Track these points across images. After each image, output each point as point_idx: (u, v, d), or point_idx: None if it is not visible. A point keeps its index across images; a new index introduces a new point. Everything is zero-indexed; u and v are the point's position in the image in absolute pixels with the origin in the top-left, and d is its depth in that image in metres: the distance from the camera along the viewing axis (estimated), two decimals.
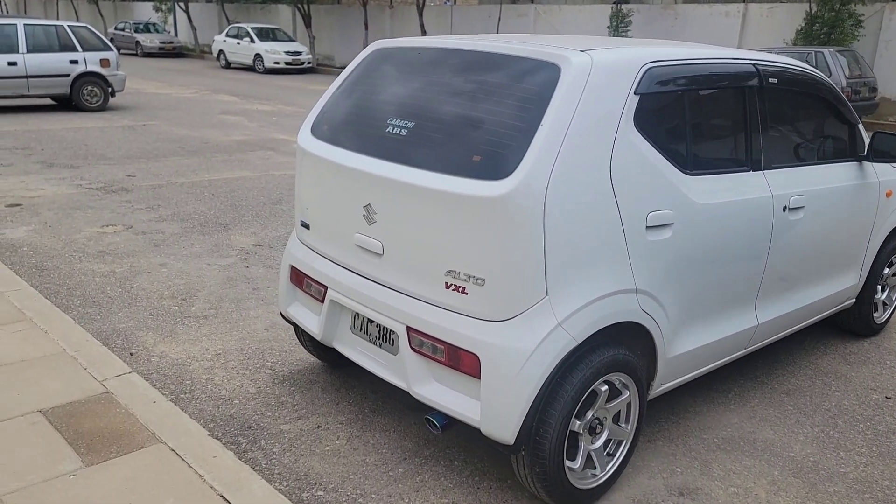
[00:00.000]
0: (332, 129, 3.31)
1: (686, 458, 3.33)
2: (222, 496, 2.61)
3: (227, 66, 27.51)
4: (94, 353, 3.77)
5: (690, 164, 3.03)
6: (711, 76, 3.19)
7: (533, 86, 2.69)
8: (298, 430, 3.39)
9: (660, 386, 3.17)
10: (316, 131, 3.41)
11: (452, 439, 3.40)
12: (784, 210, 3.51)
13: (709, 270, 3.16)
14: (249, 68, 26.78)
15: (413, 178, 2.77)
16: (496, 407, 2.62)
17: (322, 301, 3.33)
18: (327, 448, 3.26)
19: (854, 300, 4.58)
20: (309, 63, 26.38)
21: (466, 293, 2.66)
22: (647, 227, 2.83)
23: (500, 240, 2.54)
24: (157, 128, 12.44)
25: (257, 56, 25.96)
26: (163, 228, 6.62)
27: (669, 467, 3.26)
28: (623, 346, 2.85)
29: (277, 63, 25.57)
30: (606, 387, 2.85)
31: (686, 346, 3.19)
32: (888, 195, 4.45)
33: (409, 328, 2.87)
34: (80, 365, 3.54)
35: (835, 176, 3.93)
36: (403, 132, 2.94)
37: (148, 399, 3.31)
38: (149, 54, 31.81)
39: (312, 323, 3.45)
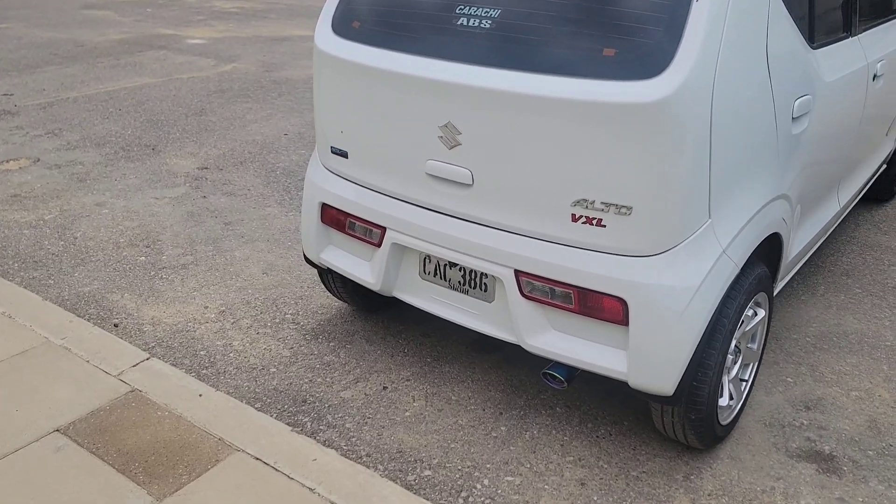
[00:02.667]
0: (370, 25, 2.67)
1: (791, 365, 3.16)
2: None
3: None
4: (88, 336, 3.11)
5: (813, 34, 2.64)
6: None
7: None
8: (364, 397, 2.95)
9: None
10: (341, 28, 2.75)
11: (539, 381, 3.07)
12: (874, 79, 3.22)
13: (823, 159, 2.86)
14: None
15: (517, 85, 2.24)
16: (652, 356, 2.27)
17: (378, 245, 2.81)
18: (408, 413, 2.86)
19: (886, 165, 4.47)
20: None
21: (604, 225, 2.23)
22: (793, 118, 2.46)
23: (655, 156, 2.10)
24: (13, 31, 10.72)
25: None
26: (79, 158, 5.68)
27: (780, 378, 3.08)
28: (763, 262, 2.55)
29: None
30: (752, 311, 2.56)
31: (798, 246, 2.94)
32: None
33: (518, 272, 2.44)
34: (78, 357, 2.90)
35: None
36: (487, 24, 2.36)
37: (191, 392, 2.74)
38: None
39: (363, 271, 2.93)
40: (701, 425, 2.45)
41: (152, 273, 3.94)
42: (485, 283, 2.60)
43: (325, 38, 2.78)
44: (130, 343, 3.26)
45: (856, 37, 3.06)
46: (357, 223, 2.87)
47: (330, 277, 3.33)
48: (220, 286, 3.81)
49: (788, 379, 3.07)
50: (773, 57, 2.30)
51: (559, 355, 2.45)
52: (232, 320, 3.50)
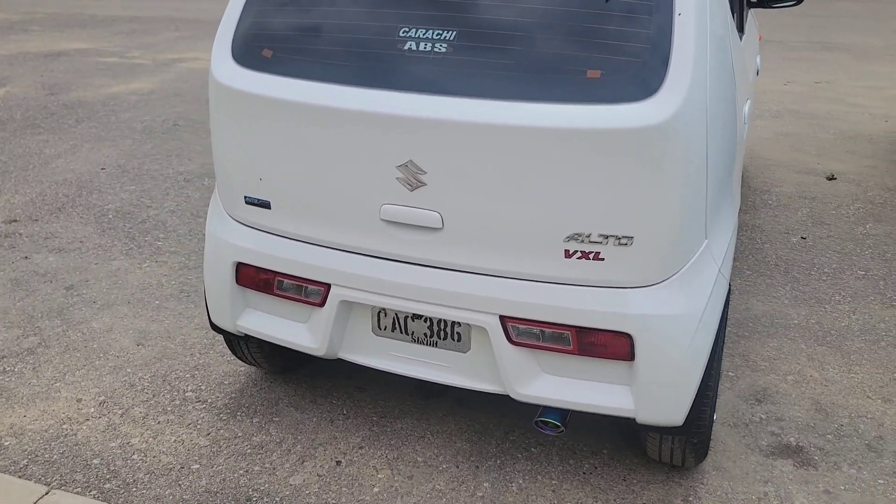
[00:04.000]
0: (286, 53, 2.28)
1: (725, 358, 3.25)
2: None
3: None
4: None
5: (742, 30, 2.68)
6: None
7: None
8: (318, 478, 2.58)
9: None
10: (246, 58, 2.33)
11: (503, 422, 2.88)
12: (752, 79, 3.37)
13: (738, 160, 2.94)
14: None
15: (491, 116, 2.00)
16: (661, 389, 2.16)
17: (320, 304, 2.44)
18: (376, 489, 2.53)
19: None
20: None
21: (602, 259, 2.08)
22: (744, 123, 2.46)
23: (657, 180, 1.97)
24: None
25: None
26: None
27: (722, 374, 3.14)
28: None
29: None
30: None
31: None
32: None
33: (504, 318, 2.21)
34: None
35: None
36: (441, 47, 2.09)
37: None
38: None
39: (299, 335, 2.54)
40: (702, 446, 2.41)
41: None
42: (458, 333, 2.35)
43: (226, 70, 2.35)
44: (32, 479, 2.60)
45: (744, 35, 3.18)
46: (289, 282, 2.48)
47: (242, 343, 2.88)
48: (88, 370, 3.18)
49: (730, 373, 3.15)
50: (735, 62, 2.28)
51: (554, 400, 2.27)
52: (119, 412, 2.92)
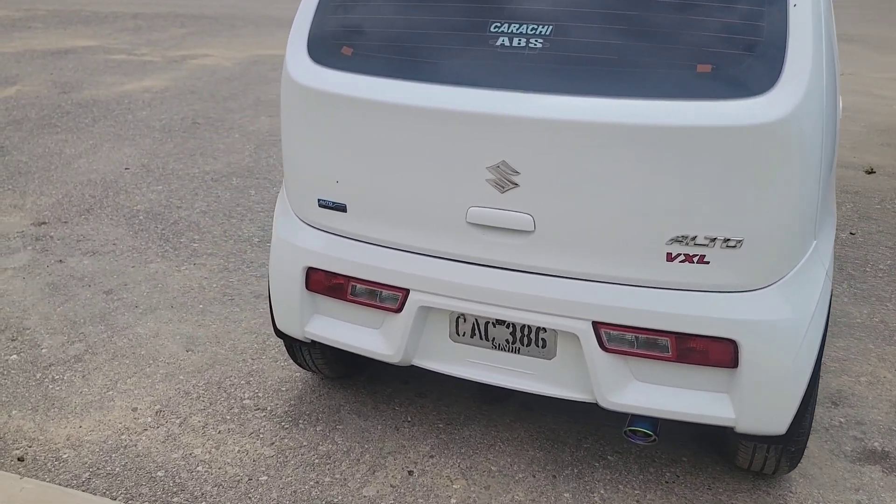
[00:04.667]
0: (369, 51, 2.20)
1: None
2: None
3: None
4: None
5: None
6: None
7: None
8: (392, 489, 2.50)
9: None
10: (325, 56, 2.25)
11: (575, 428, 2.81)
12: None
13: None
14: None
15: (594, 114, 1.92)
16: (767, 398, 2.09)
17: (397, 310, 2.36)
18: (453, 501, 2.46)
19: None
20: None
21: (707, 262, 2.00)
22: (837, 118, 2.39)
23: (773, 180, 1.89)
24: None
25: None
26: None
27: None
28: None
29: None
30: None
31: None
32: None
33: (597, 324, 2.14)
34: None
35: None
36: (537, 43, 2.01)
37: None
38: None
39: (372, 341, 2.46)
40: (798, 455, 2.34)
41: (38, 375, 3.12)
42: (542, 339, 2.27)
43: (302, 69, 2.27)
44: (52, 480, 2.52)
45: None
46: (364, 287, 2.40)
47: (305, 349, 2.80)
48: (139, 377, 3.10)
49: None
50: (835, 55, 2.20)
51: (647, 409, 2.20)
52: (177, 421, 2.84)
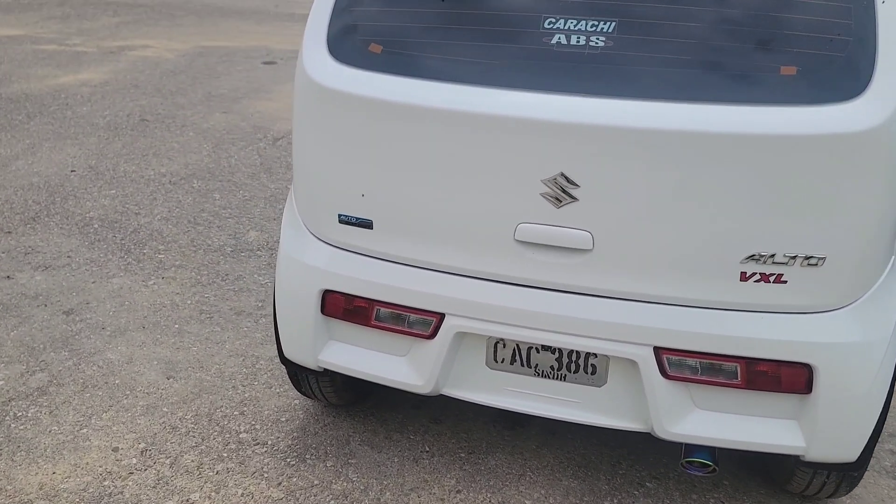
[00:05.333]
0: (398, 47, 1.96)
1: None
2: None
3: None
4: None
5: None
6: None
7: None
8: None
9: None
10: (348, 54, 2.00)
11: (604, 453, 2.64)
12: None
13: None
14: None
15: (666, 121, 1.74)
16: (839, 424, 1.95)
17: (430, 336, 2.14)
18: None
19: None
20: None
21: (784, 281, 1.85)
22: None
23: (861, 193, 1.75)
24: None
25: None
26: None
27: None
28: None
29: None
30: None
31: None
32: None
33: (659, 349, 1.97)
34: None
35: None
36: (599, 41, 1.82)
37: None
38: None
39: (398, 370, 2.24)
40: (859, 478, 2.23)
41: (11, 418, 2.76)
42: (592, 365, 2.09)
43: (323, 69, 2.01)
44: None
45: None
46: (391, 311, 2.17)
47: (312, 378, 2.55)
48: (116, 411, 2.78)
49: None
50: None
51: (709, 439, 2.04)
52: (167, 461, 2.55)
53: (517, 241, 1.96)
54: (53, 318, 3.35)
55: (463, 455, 2.61)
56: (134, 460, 2.54)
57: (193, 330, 3.28)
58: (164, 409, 2.79)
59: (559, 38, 1.84)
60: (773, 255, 1.82)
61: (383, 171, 2.02)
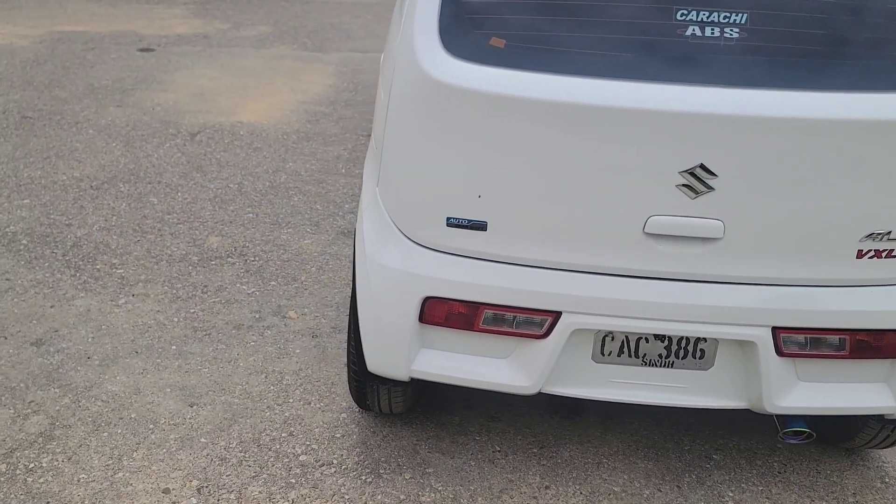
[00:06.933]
0: (524, 41, 1.90)
1: None
2: None
3: None
4: None
5: None
6: None
7: None
8: None
9: None
10: (465, 47, 1.91)
11: (669, 433, 2.73)
12: None
13: None
14: None
15: (801, 109, 1.83)
16: None
17: (542, 336, 2.11)
18: None
19: None
20: None
21: (894, 256, 2.01)
22: None
23: None
24: None
25: None
26: None
27: None
28: None
29: None
30: None
31: None
32: None
33: (777, 329, 2.07)
34: None
35: None
36: (733, 33, 1.86)
37: None
38: None
39: (500, 373, 2.19)
40: None
41: (1, 467, 2.40)
42: (701, 350, 2.16)
43: (439, 64, 1.90)
44: None
45: None
46: (500, 314, 2.11)
47: (383, 389, 2.43)
48: (148, 448, 2.51)
49: None
50: None
51: (811, 408, 2.19)
52: (232, 497, 2.34)
53: (646, 233, 1.98)
54: (22, 352, 2.95)
55: (535, 450, 2.60)
56: (193, 500, 2.32)
57: (195, 350, 3.01)
58: (202, 440, 2.56)
59: (693, 30, 1.87)
60: (889, 232, 1.97)
61: (503, 171, 1.96)
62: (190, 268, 3.61)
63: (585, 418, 2.77)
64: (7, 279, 3.44)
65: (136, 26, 8.65)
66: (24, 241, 3.76)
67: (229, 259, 3.69)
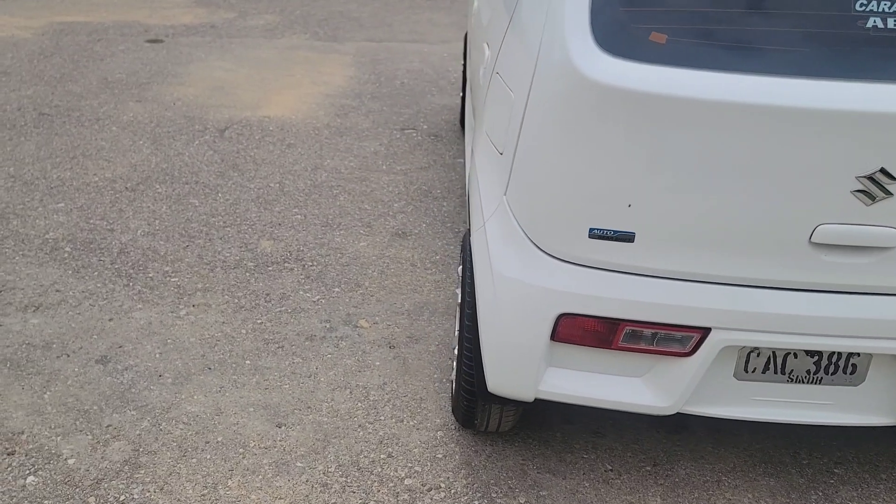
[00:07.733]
0: (687, 35, 1.75)
1: None
2: None
3: None
4: None
5: None
6: None
7: None
8: None
9: None
10: (620, 43, 1.75)
11: (772, 450, 2.61)
12: None
13: None
14: None
15: None
16: None
17: (688, 353, 1.97)
18: None
19: None
20: None
21: None
22: None
23: None
24: None
25: None
26: None
27: None
28: None
29: None
30: None
31: None
32: None
33: None
34: None
35: None
36: None
37: None
38: None
39: (635, 393, 2.06)
40: None
41: (89, 500, 2.23)
42: (853, 365, 2.04)
43: (596, 63, 1.75)
44: None
45: None
46: (643, 331, 1.97)
47: (496, 409, 2.29)
48: (243, 474, 2.35)
49: None
50: None
51: None
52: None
53: (812, 243, 1.84)
54: (89, 370, 2.77)
55: (649, 468, 2.48)
56: None
57: (271, 364, 2.85)
58: (299, 465, 2.40)
59: (874, 22, 1.73)
60: None
61: (659, 177, 1.81)
62: (247, 274, 3.43)
63: (693, 432, 2.65)
64: (58, 290, 3.24)
65: (138, 16, 8.37)
66: (68, 249, 3.56)
67: (286, 264, 3.52)
